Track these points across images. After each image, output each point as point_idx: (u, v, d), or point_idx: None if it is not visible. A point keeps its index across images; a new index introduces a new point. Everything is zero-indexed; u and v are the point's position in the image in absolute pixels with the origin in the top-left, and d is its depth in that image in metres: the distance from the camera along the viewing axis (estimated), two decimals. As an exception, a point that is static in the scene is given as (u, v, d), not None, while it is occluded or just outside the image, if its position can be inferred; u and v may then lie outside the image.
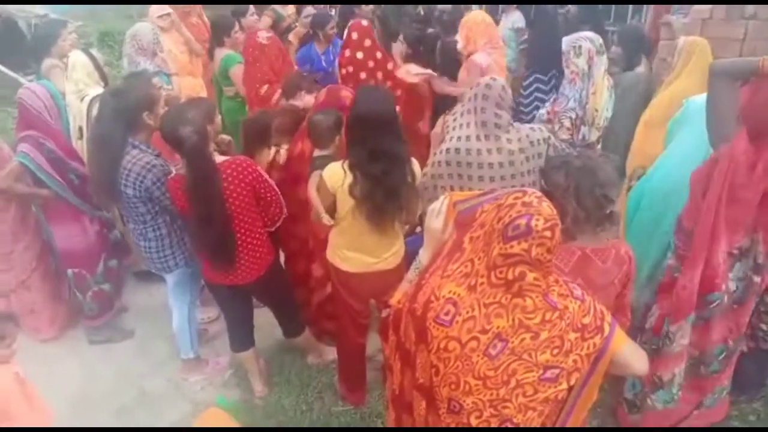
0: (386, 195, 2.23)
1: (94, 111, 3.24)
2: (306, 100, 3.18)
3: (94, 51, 3.93)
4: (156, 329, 3.42)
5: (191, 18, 5.12)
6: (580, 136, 3.20)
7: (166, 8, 4.53)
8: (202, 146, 2.27)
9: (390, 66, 3.67)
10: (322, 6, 5.60)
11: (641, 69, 3.66)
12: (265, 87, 3.93)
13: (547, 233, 1.34)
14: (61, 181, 3.02)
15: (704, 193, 2.04)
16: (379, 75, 3.59)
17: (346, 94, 2.65)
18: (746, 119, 1.99)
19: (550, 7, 5.09)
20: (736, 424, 2.60)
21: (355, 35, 3.57)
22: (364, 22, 3.69)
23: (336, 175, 2.28)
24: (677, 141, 2.55)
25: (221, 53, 4.37)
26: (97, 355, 3.34)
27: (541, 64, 4.16)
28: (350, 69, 3.58)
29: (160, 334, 3.35)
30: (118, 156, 2.53)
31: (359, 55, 3.53)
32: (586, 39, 3.16)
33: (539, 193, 1.41)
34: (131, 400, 3.00)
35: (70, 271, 3.24)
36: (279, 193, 2.54)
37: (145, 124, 2.59)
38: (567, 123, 3.16)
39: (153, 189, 2.53)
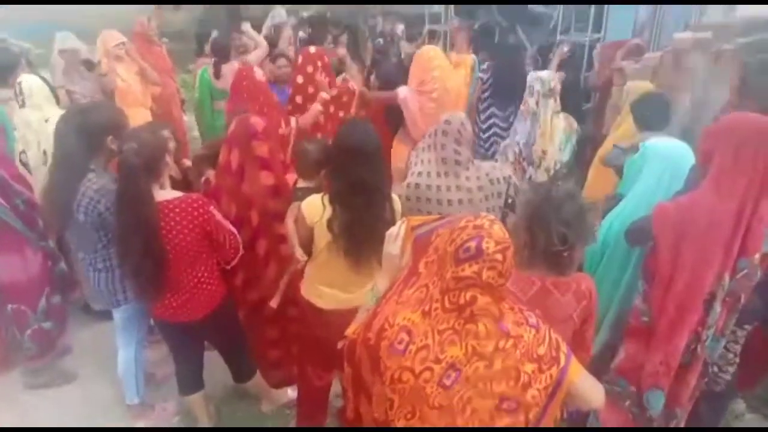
0: (365, 230, 2.19)
1: None
2: None
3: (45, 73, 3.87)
4: (101, 372, 3.22)
5: (153, 46, 5.18)
6: (527, 176, 3.26)
7: (121, 37, 4.57)
8: (135, 169, 2.19)
9: (335, 92, 3.84)
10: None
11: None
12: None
13: (498, 256, 1.33)
14: (6, 205, 2.87)
15: (673, 242, 2.06)
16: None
17: (256, 121, 2.62)
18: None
19: (513, 43, 5.27)
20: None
21: (299, 59, 3.79)
22: (312, 49, 3.85)
23: (315, 208, 2.25)
24: (639, 184, 2.61)
25: (230, 67, 4.46)
26: (35, 400, 3.11)
27: (500, 99, 4.26)
28: (298, 99, 3.77)
29: (105, 378, 3.17)
30: (77, 177, 2.45)
31: (300, 79, 3.74)
32: (538, 80, 3.28)
33: (492, 217, 1.42)
34: (71, 448, 2.80)
35: (9, 307, 3.04)
36: (234, 233, 2.46)
37: (107, 148, 2.52)
38: (510, 157, 3.23)
39: (106, 214, 2.43)
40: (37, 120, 3.34)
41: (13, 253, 2.98)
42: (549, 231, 1.73)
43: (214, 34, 5.22)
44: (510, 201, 2.57)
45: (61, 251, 3.22)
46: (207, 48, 5.20)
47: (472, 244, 1.34)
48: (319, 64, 3.73)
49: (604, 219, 2.61)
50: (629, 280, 2.47)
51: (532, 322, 1.46)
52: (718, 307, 2.06)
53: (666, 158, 2.44)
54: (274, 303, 2.59)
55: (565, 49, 4.33)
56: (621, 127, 3.39)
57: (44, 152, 3.32)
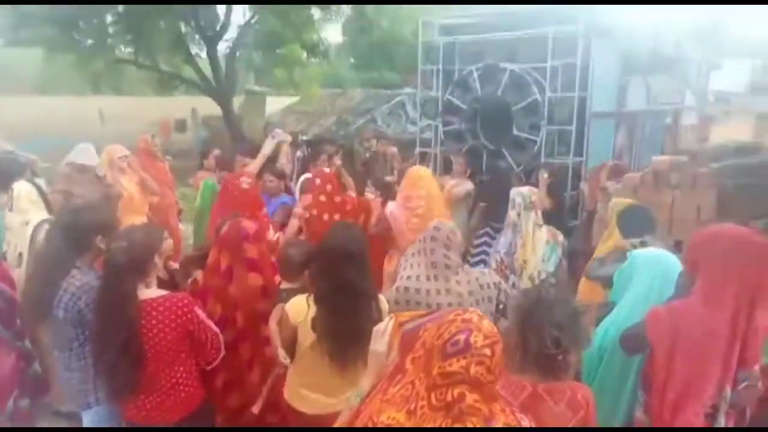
0: (349, 331, 2.14)
1: (40, 234, 3.17)
2: None
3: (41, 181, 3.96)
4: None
5: (156, 161, 5.41)
6: (510, 283, 3.29)
7: (124, 150, 4.82)
8: (120, 267, 2.20)
9: (349, 207, 3.97)
10: None
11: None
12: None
13: (486, 350, 1.30)
14: (-14, 304, 2.80)
15: (668, 347, 2.02)
16: (337, 216, 3.89)
17: (248, 224, 2.69)
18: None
19: (501, 164, 5.49)
20: None
21: (318, 181, 3.94)
22: (327, 170, 4.07)
23: (299, 307, 2.24)
24: (630, 291, 2.61)
25: None
26: None
27: (493, 218, 4.39)
28: (314, 212, 3.86)
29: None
30: (61, 273, 2.44)
31: (322, 198, 3.86)
32: (519, 194, 3.45)
33: (480, 312, 1.40)
34: None
35: (-30, 411, 2.85)
36: (217, 333, 2.42)
37: (95, 247, 2.54)
38: (493, 264, 3.29)
39: (85, 311, 2.39)
40: (19, 223, 3.42)
41: (-15, 353, 2.85)
42: (541, 334, 1.68)
43: (216, 152, 5.52)
44: (501, 306, 2.56)
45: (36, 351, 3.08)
46: (206, 162, 5.44)
47: (461, 337, 1.31)
48: (336, 182, 3.95)
49: (599, 326, 2.58)
50: (630, 391, 2.37)
51: (526, 425, 1.39)
52: (722, 420, 1.97)
53: (654, 265, 2.46)
54: (256, 409, 2.47)
55: (545, 175, 4.55)
56: (608, 241, 3.48)
57: (20, 254, 3.37)
